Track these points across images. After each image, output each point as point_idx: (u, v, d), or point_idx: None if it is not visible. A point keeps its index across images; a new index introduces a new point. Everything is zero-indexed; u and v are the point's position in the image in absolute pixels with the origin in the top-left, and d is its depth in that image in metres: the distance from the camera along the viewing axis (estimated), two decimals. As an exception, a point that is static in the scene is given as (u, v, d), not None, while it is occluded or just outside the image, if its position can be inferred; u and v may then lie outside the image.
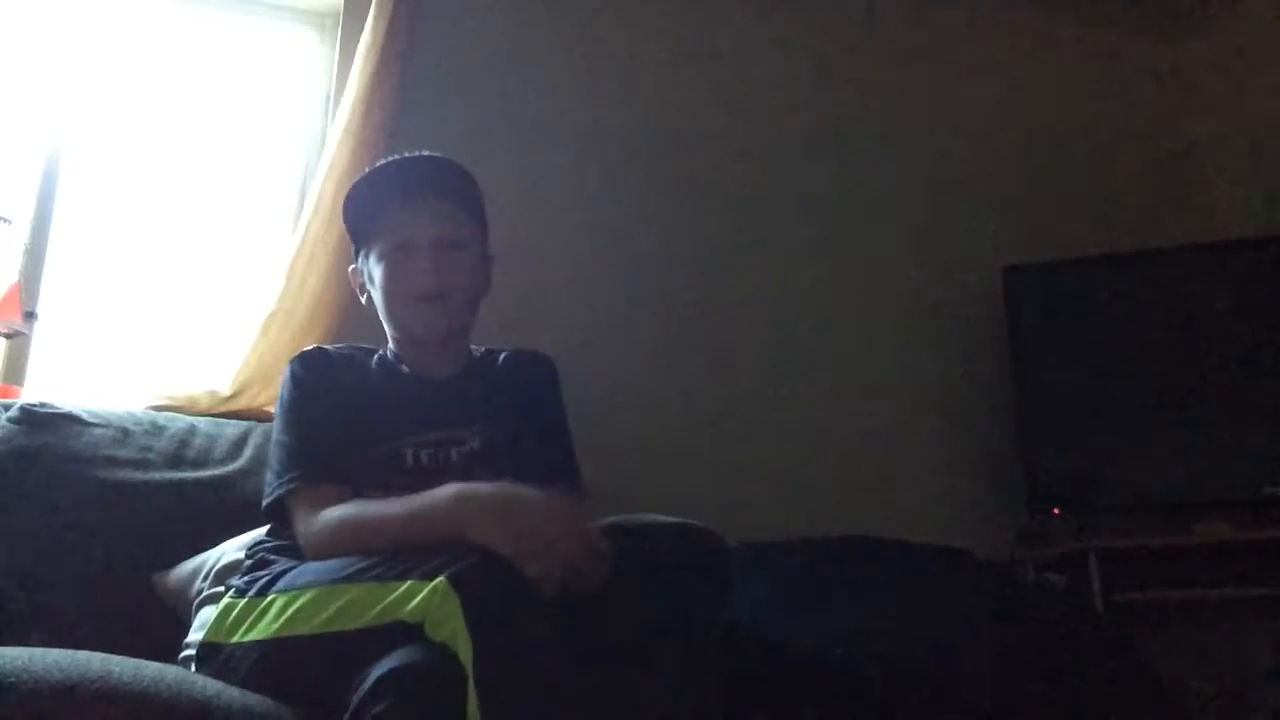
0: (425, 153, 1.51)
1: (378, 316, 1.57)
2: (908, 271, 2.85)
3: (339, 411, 1.42)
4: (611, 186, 2.64)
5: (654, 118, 2.72)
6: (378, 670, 1.04)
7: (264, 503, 1.41)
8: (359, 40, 2.36)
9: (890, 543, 2.33)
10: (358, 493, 1.36)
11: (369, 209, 1.51)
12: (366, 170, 1.52)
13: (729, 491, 2.47)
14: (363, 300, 1.57)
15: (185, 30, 2.53)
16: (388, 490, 1.36)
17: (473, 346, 1.62)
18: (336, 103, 2.37)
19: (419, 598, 1.06)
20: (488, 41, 2.61)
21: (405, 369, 1.53)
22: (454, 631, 1.02)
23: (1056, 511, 2.56)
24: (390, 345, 1.57)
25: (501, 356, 1.62)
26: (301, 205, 2.31)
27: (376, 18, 2.36)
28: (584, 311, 2.48)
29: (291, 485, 1.36)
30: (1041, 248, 2.80)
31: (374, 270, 1.51)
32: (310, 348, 1.51)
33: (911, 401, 2.76)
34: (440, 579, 1.05)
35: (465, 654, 1.01)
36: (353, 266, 1.59)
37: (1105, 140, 3.14)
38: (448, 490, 1.22)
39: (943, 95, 3.02)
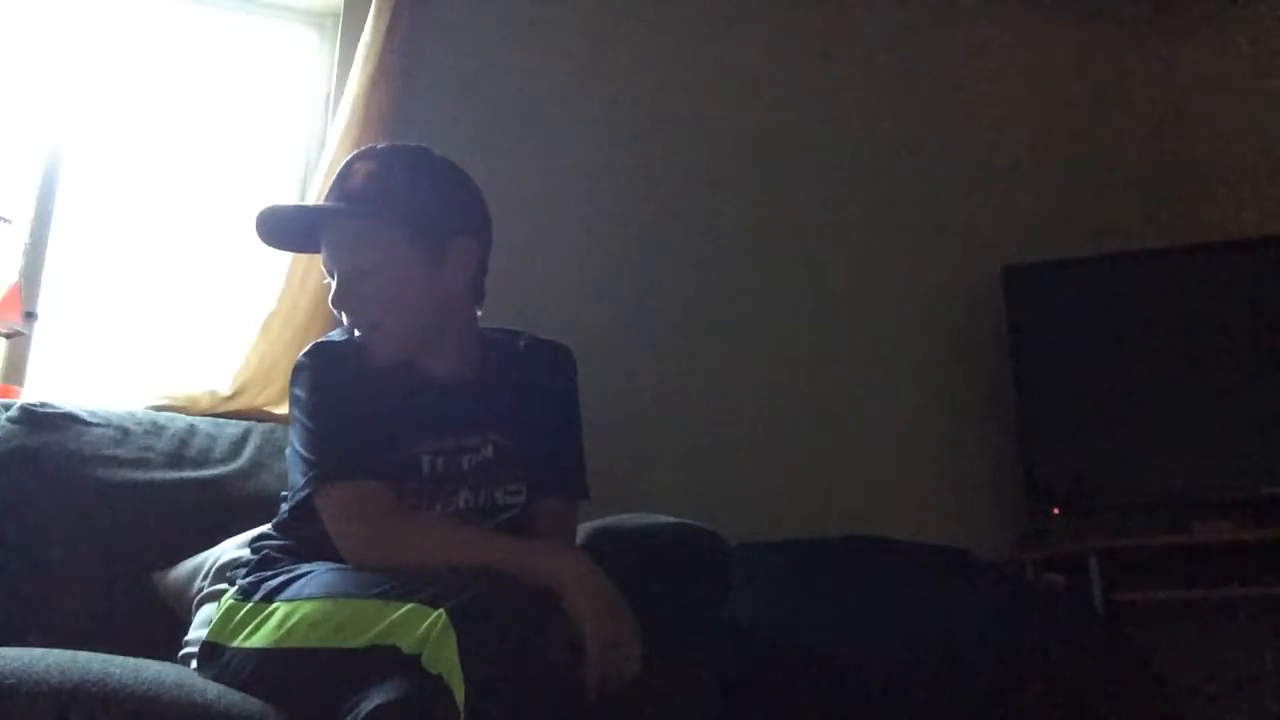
0: (294, 204, 1.48)
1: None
2: (908, 271, 2.85)
3: (361, 409, 1.34)
4: (611, 186, 2.64)
5: (655, 116, 2.72)
6: (371, 701, 1.02)
7: (296, 497, 1.32)
8: (359, 40, 2.36)
9: (890, 543, 2.34)
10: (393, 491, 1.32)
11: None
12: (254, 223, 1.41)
13: (729, 491, 2.47)
14: None
15: (185, 30, 2.52)
16: (399, 496, 1.32)
17: (488, 331, 1.51)
18: (336, 103, 2.37)
19: (419, 630, 1.04)
20: (488, 41, 2.61)
21: (418, 369, 1.42)
22: (450, 668, 1.01)
23: (1056, 511, 2.56)
24: None
25: (522, 344, 1.51)
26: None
27: (376, 18, 2.36)
28: (582, 312, 2.47)
29: (327, 479, 1.28)
30: (1041, 248, 2.80)
31: None
32: (320, 342, 1.40)
33: (911, 401, 2.76)
34: (440, 612, 1.03)
35: (459, 692, 1.00)
36: None
37: (1106, 140, 3.14)
38: (565, 555, 1.22)
39: (943, 95, 3.02)
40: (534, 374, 1.49)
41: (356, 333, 1.40)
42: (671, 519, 1.59)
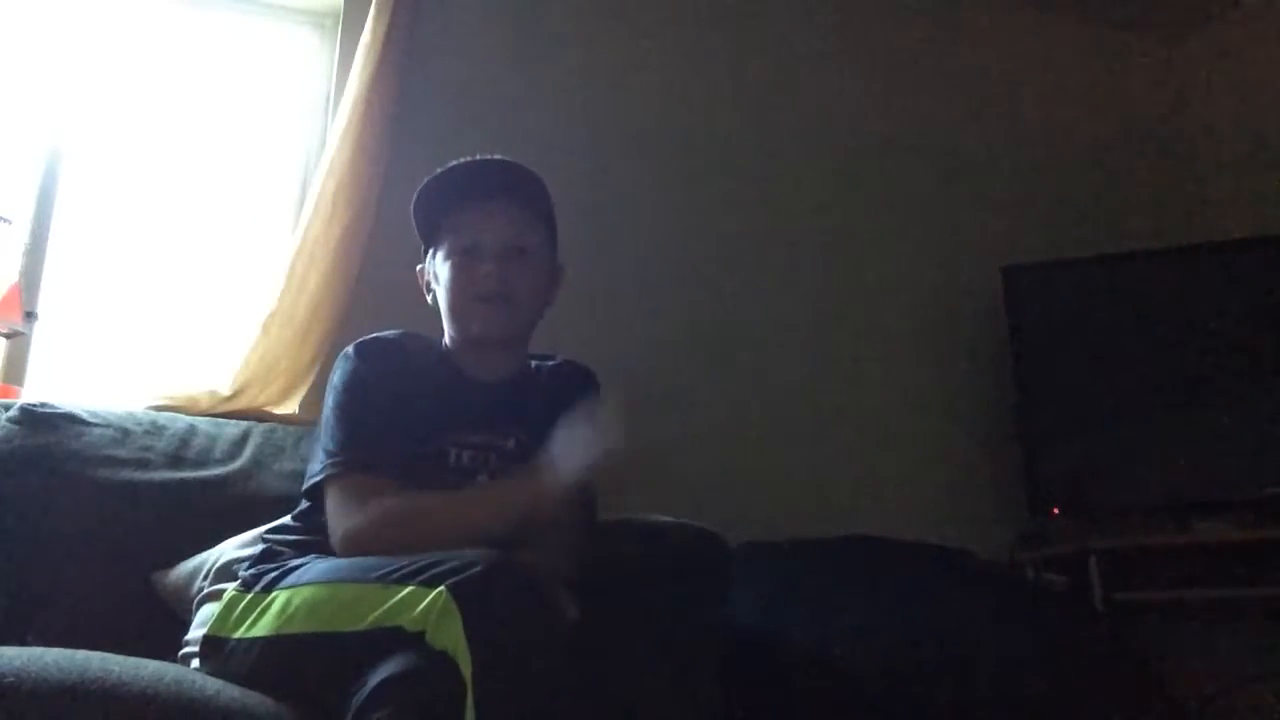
0: (499, 157, 1.51)
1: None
2: (908, 271, 2.85)
3: (394, 405, 1.41)
4: (611, 187, 2.63)
5: (653, 117, 2.72)
6: (378, 675, 1.04)
7: (309, 482, 1.40)
8: (359, 40, 2.36)
9: (891, 543, 2.34)
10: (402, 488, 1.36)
11: (438, 209, 1.51)
12: (437, 171, 1.50)
13: (729, 491, 2.47)
14: (428, 300, 1.56)
15: (185, 30, 2.53)
16: (426, 488, 1.37)
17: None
18: (336, 103, 2.37)
19: (420, 607, 1.06)
20: (487, 41, 2.61)
21: (459, 369, 1.52)
22: (454, 643, 1.02)
23: (1056, 512, 2.56)
24: (447, 342, 1.56)
25: (550, 365, 1.62)
26: (301, 205, 2.31)
27: (376, 18, 2.36)
28: (583, 312, 2.47)
29: (340, 469, 1.35)
30: (1041, 248, 2.80)
31: (440, 269, 1.51)
32: (370, 337, 1.50)
33: (912, 401, 2.76)
34: (441, 589, 1.05)
35: (465, 666, 1.01)
36: (420, 266, 1.58)
37: (1105, 140, 3.14)
38: (541, 483, 1.29)
39: (943, 95, 3.02)
40: (561, 387, 1.58)
41: (394, 331, 1.50)
42: (672, 519, 1.60)
